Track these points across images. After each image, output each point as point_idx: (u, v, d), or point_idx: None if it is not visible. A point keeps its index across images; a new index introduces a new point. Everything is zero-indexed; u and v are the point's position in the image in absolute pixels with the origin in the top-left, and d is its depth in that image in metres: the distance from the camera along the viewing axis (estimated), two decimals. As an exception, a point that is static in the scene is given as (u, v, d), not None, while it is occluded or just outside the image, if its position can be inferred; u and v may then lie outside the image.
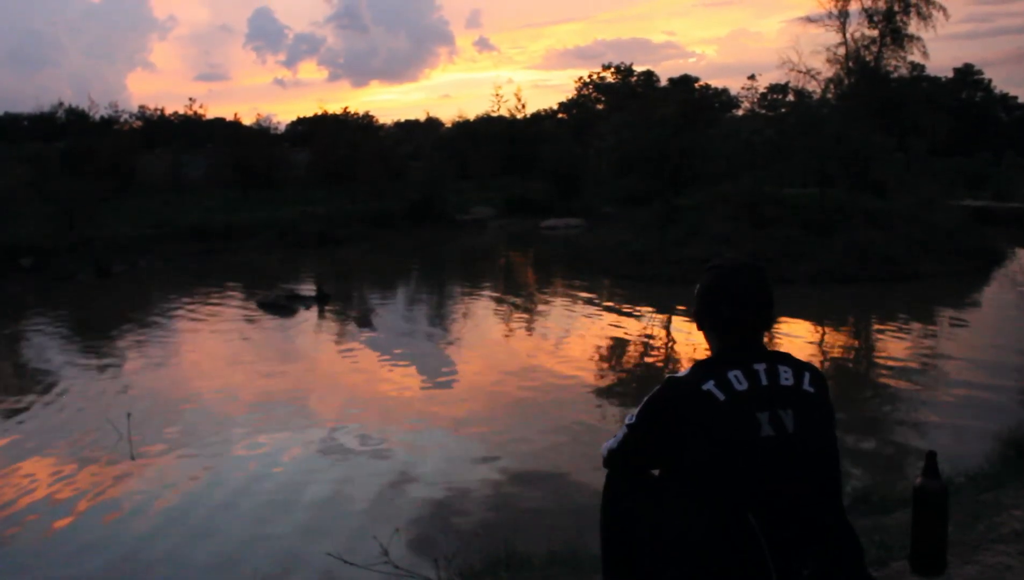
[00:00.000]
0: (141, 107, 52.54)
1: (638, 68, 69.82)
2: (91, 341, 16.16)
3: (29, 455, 9.18)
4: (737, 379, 2.29)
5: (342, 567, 4.83)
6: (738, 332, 2.38)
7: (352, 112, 54.84)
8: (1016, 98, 57.90)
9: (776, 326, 14.77)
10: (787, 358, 2.41)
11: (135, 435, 9.26)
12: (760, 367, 2.33)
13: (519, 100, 50.82)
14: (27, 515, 7.56)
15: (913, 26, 32.05)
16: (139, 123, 49.59)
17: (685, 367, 2.41)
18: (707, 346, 2.50)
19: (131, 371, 13.38)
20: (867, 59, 32.27)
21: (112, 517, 7.55)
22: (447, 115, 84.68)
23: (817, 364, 3.59)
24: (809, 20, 33.18)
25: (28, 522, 7.43)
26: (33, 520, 7.45)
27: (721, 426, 2.23)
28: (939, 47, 69.11)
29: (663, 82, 66.09)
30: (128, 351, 14.84)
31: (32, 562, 6.73)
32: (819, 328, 16.22)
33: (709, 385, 2.28)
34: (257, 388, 12.10)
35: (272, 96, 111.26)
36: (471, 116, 52.29)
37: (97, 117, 45.95)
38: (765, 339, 2.44)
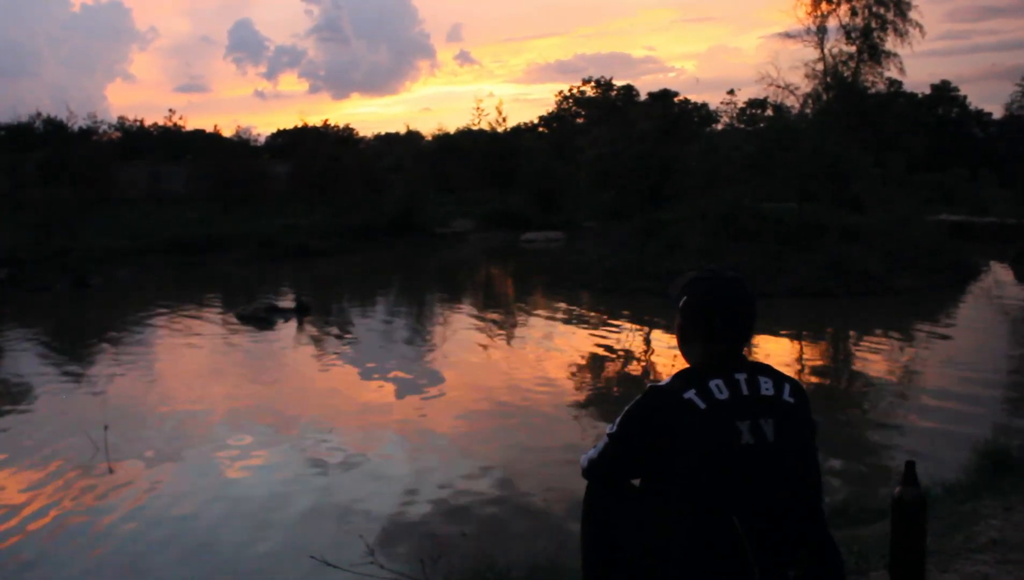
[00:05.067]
0: (120, 118, 52.41)
1: (618, 82, 70.24)
2: (68, 353, 16.03)
3: (3, 467, 9.09)
4: (718, 388, 2.31)
5: (324, 571, 4.80)
6: (726, 342, 2.39)
7: (333, 125, 54.97)
8: (991, 115, 58.45)
9: (755, 339, 14.83)
10: (768, 369, 2.43)
11: (111, 448, 9.18)
12: (741, 377, 2.35)
13: (500, 114, 50.84)
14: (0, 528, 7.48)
15: (890, 43, 32.42)
16: (118, 134, 49.38)
17: (665, 378, 2.42)
18: (686, 359, 2.51)
19: (108, 383, 13.26)
20: (845, 75, 32.55)
21: (89, 529, 7.47)
22: (428, 128, 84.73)
23: (796, 376, 3.61)
24: (788, 36, 33.46)
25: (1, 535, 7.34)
26: (6, 533, 7.36)
27: (702, 434, 2.24)
28: (916, 64, 70.15)
29: (643, 96, 66.35)
30: (106, 363, 14.72)
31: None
32: (797, 342, 16.29)
33: (690, 393, 2.29)
34: (236, 400, 12.03)
35: (252, 108, 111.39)
36: (452, 129, 52.43)
37: (75, 128, 45.76)
38: (744, 351, 2.46)
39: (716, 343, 2.40)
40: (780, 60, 56.66)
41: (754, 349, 14.17)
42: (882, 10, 31.98)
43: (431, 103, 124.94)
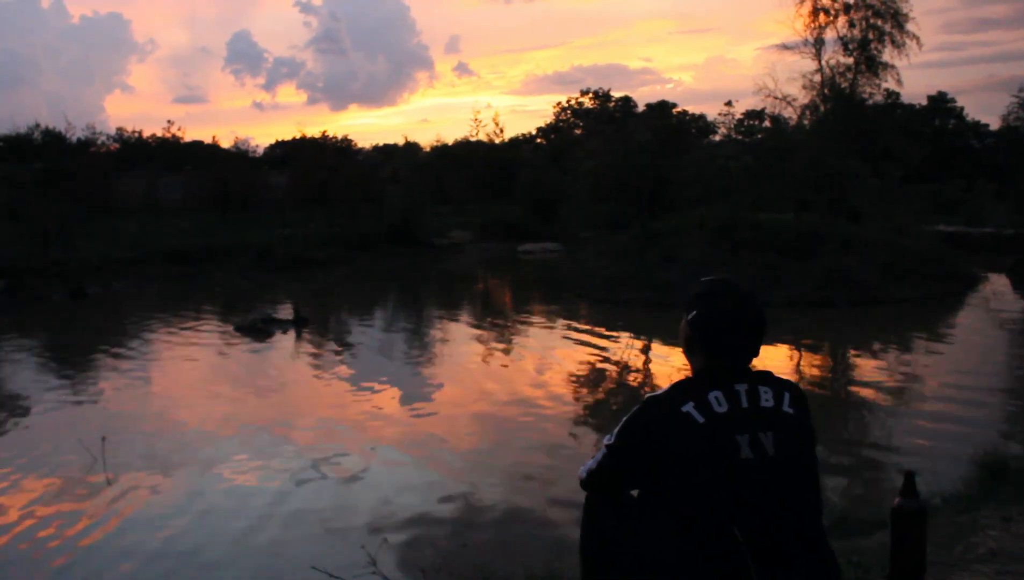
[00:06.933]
0: (119, 129, 52.26)
1: (616, 93, 70.46)
2: (65, 364, 16.00)
3: (1, 479, 9.06)
4: (717, 401, 2.30)
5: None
6: (731, 357, 2.39)
7: (331, 136, 55.02)
8: (988, 126, 58.49)
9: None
10: (768, 378, 2.42)
11: (109, 459, 9.17)
12: (741, 388, 2.34)
13: (497, 125, 50.91)
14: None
15: (887, 54, 32.42)
16: (116, 145, 49.31)
17: (663, 387, 2.41)
18: (689, 364, 2.50)
19: (106, 395, 13.25)
20: (842, 86, 32.60)
21: (88, 541, 7.45)
22: (426, 139, 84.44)
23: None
24: (785, 47, 33.39)
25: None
26: (3, 545, 7.34)
27: (700, 448, 2.24)
28: (913, 75, 70.30)
29: (640, 107, 66.59)
30: (103, 374, 14.70)
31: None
32: (795, 352, 16.27)
33: (688, 407, 2.28)
34: (234, 411, 12.01)
35: (251, 119, 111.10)
36: (450, 140, 52.39)
37: (74, 139, 45.65)
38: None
39: (721, 358, 2.39)
40: (778, 71, 56.57)
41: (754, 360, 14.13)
42: (880, 22, 32.02)
43: (429, 114, 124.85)
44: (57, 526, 7.73)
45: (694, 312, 2.43)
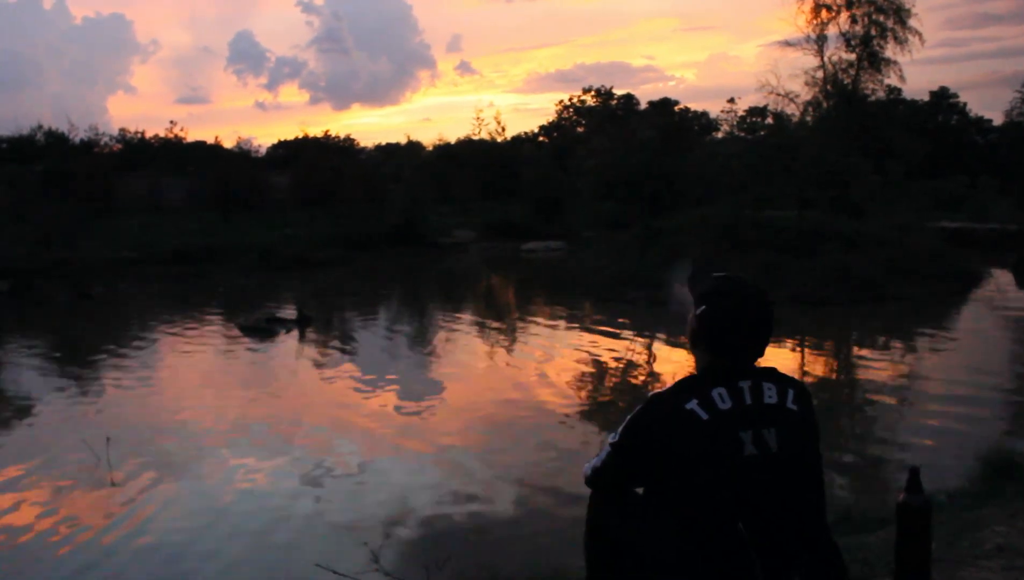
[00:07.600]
0: (121, 130, 52.24)
1: (618, 91, 70.37)
2: (69, 365, 16.01)
3: (3, 480, 9.07)
4: (721, 397, 2.29)
5: (331, 578, 4.80)
6: (736, 356, 2.38)
7: (333, 135, 55.16)
8: (991, 121, 58.40)
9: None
10: (772, 374, 2.41)
11: (114, 460, 9.17)
12: (745, 385, 2.34)
13: (500, 124, 50.95)
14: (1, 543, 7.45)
15: (889, 50, 32.46)
16: (119, 146, 49.30)
17: (667, 384, 2.41)
18: (693, 358, 2.50)
19: (110, 395, 13.25)
20: (845, 82, 32.60)
21: (92, 542, 7.45)
22: (428, 138, 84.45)
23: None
24: (787, 44, 33.45)
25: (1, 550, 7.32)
26: (6, 546, 7.35)
27: (704, 446, 2.23)
28: (915, 71, 70.06)
29: (643, 105, 66.45)
30: (107, 375, 14.70)
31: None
32: (799, 350, 16.26)
33: (692, 404, 2.28)
34: (238, 412, 12.01)
35: (253, 119, 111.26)
36: (452, 139, 52.43)
37: (77, 140, 45.69)
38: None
39: (724, 356, 2.38)
40: (780, 68, 56.36)
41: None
42: (882, 18, 32.04)
43: (431, 113, 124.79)
44: (62, 528, 7.73)
45: (702, 308, 2.42)
